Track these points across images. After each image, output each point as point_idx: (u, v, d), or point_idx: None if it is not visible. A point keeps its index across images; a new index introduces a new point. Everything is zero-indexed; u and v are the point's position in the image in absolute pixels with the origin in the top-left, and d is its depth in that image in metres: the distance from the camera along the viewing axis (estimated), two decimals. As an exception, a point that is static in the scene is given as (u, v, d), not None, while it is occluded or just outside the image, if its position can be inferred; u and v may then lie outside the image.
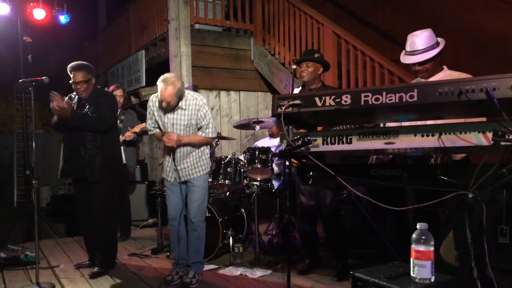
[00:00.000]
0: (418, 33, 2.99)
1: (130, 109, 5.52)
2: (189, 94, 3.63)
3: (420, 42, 2.96)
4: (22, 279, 3.85)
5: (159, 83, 3.45)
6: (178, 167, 3.62)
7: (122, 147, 5.24)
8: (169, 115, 3.61)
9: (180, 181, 3.63)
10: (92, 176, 3.87)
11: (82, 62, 3.96)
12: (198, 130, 3.65)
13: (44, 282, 3.63)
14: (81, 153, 3.86)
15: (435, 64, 3.01)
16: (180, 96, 3.50)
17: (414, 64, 3.01)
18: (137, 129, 5.11)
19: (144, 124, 5.11)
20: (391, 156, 3.01)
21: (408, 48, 3.03)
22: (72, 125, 3.83)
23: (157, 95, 3.58)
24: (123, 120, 5.30)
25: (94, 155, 3.87)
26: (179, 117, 3.60)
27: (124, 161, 5.29)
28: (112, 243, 4.20)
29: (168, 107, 3.51)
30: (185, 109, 3.58)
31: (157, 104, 3.65)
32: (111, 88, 5.45)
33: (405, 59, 3.05)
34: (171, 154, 3.63)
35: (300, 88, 3.98)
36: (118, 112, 5.34)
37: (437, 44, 2.98)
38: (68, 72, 3.88)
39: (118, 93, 5.36)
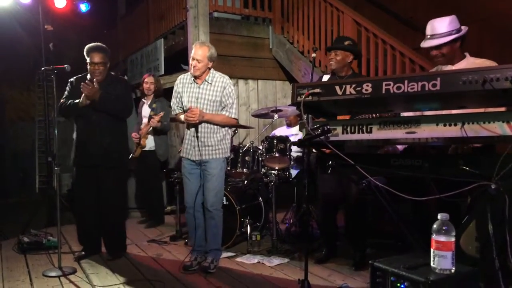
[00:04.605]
0: (439, 18, 2.95)
1: (162, 97, 5.56)
2: (217, 72, 3.70)
3: (440, 27, 2.91)
4: (45, 263, 3.95)
5: (195, 44, 3.62)
6: (201, 146, 3.62)
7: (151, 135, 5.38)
8: (194, 89, 3.64)
9: (199, 159, 3.63)
10: (108, 162, 3.92)
11: (101, 44, 3.99)
12: (222, 110, 3.67)
13: (66, 266, 3.71)
14: (96, 140, 3.90)
15: (453, 50, 2.94)
16: (209, 67, 3.62)
17: (431, 49, 2.97)
18: (157, 117, 5.14)
19: (162, 113, 5.16)
20: (399, 147, 2.98)
21: (427, 32, 2.98)
22: (97, 108, 3.84)
23: (186, 74, 3.71)
24: (154, 108, 5.33)
25: (110, 142, 3.92)
26: (205, 91, 3.63)
27: (154, 148, 5.36)
28: (123, 228, 4.28)
29: (195, 70, 3.57)
30: (211, 83, 3.63)
31: (184, 80, 3.71)
32: (145, 76, 5.54)
33: (424, 43, 3.01)
34: (195, 131, 3.62)
35: (330, 75, 3.90)
36: (150, 100, 5.42)
37: (458, 30, 2.91)
38: (85, 52, 3.91)
39: (149, 80, 5.44)
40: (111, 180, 3.97)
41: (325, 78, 3.87)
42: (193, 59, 3.57)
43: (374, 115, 2.95)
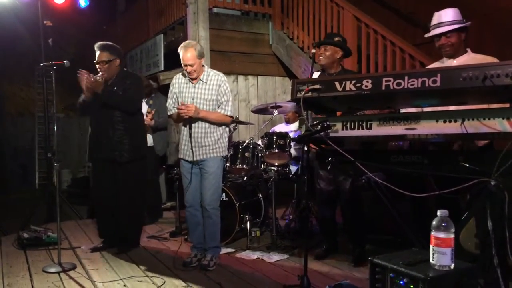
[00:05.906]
0: (444, 9, 2.97)
1: (159, 93, 5.56)
2: (212, 70, 3.68)
3: (447, 16, 2.93)
4: (44, 259, 3.95)
5: (180, 49, 3.54)
6: (198, 146, 3.60)
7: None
8: (190, 89, 3.63)
9: (194, 159, 3.62)
10: (121, 156, 3.93)
11: (108, 42, 4.01)
12: (217, 108, 3.65)
13: (66, 262, 3.71)
14: (109, 134, 3.92)
15: (460, 41, 2.95)
16: (202, 65, 3.59)
17: (439, 37, 2.96)
18: (149, 115, 5.11)
19: (153, 111, 5.15)
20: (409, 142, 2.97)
21: (434, 21, 2.98)
22: (103, 102, 3.85)
23: (182, 73, 3.67)
24: (151, 104, 5.34)
25: (123, 136, 3.94)
26: (200, 91, 3.61)
27: (152, 144, 5.36)
28: (139, 224, 4.30)
29: (192, 74, 3.54)
30: (207, 82, 3.61)
31: (180, 81, 3.69)
32: None
33: (431, 32, 3.00)
34: (188, 129, 3.61)
35: (320, 72, 3.92)
36: (147, 97, 5.43)
37: (463, 21, 2.94)
38: (95, 50, 3.95)
39: None
40: (124, 174, 4.00)
41: (316, 75, 3.88)
42: (185, 65, 3.52)
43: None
